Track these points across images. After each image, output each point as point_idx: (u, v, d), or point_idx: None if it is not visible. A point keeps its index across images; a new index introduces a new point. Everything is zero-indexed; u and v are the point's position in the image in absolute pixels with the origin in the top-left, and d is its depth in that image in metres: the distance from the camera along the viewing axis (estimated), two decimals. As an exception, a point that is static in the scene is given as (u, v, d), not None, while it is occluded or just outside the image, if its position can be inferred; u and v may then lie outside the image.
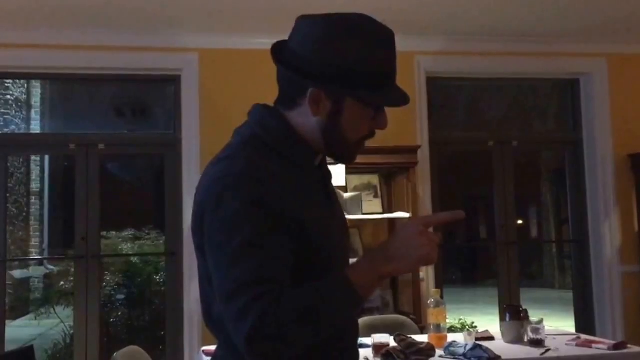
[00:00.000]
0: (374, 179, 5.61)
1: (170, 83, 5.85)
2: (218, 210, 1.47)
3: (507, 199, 6.17)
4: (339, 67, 1.52)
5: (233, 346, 1.51)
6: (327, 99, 1.55)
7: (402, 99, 1.59)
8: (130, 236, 8.57)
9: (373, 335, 3.61)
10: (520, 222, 15.58)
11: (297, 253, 1.50)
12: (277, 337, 1.40)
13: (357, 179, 5.55)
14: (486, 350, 3.40)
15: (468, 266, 18.69)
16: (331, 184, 1.76)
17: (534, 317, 3.94)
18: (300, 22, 1.60)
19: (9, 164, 6.27)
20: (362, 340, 3.84)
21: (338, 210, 1.75)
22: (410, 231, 1.48)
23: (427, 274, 5.58)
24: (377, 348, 3.50)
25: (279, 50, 1.61)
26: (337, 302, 1.45)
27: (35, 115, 11.06)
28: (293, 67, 1.56)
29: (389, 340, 3.57)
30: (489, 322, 6.10)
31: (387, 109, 1.61)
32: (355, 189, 5.50)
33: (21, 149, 6.68)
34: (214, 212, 1.48)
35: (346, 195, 5.36)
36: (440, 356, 3.48)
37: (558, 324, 5.49)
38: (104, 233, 6.98)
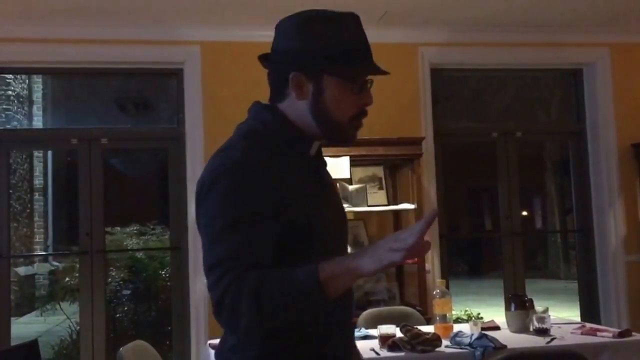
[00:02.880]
0: (379, 171, 5.60)
1: (172, 76, 5.84)
2: (208, 196, 1.60)
3: (511, 190, 6.17)
4: (312, 49, 1.66)
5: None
6: (307, 80, 1.67)
7: (375, 69, 1.70)
8: (135, 231, 8.56)
9: (379, 327, 3.62)
10: (524, 213, 15.60)
11: (290, 241, 1.60)
12: (234, 310, 1.49)
13: (362, 171, 5.54)
14: (492, 339, 3.40)
15: (473, 258, 18.65)
16: (327, 173, 1.84)
17: (539, 307, 3.95)
18: (278, 24, 1.74)
19: (11, 160, 6.25)
20: (369, 331, 3.87)
21: (334, 200, 1.83)
22: (385, 239, 1.52)
23: (432, 265, 5.58)
24: (384, 339, 3.50)
25: (265, 55, 1.77)
26: (296, 288, 1.50)
27: (37, 110, 11.04)
28: (274, 61, 1.72)
29: (395, 331, 3.57)
30: (494, 313, 6.09)
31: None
32: (360, 181, 5.49)
33: (23, 144, 6.65)
34: (205, 199, 1.61)
35: (351, 187, 5.35)
36: (447, 346, 3.49)
37: (564, 314, 5.49)
38: (108, 229, 6.96)
